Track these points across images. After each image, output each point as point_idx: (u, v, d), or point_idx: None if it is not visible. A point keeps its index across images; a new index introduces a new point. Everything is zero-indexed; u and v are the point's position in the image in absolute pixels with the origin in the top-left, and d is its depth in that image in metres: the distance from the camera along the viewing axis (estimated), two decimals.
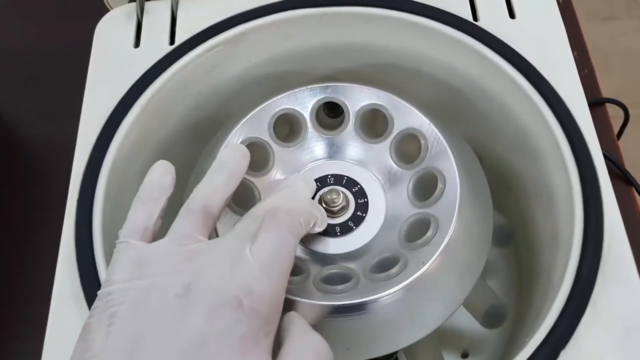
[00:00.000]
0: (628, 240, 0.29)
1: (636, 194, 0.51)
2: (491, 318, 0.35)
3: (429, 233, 0.29)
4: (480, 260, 0.31)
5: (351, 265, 0.31)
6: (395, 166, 0.33)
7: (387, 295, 0.28)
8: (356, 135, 0.34)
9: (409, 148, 0.33)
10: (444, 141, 0.31)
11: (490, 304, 0.35)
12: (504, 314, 0.35)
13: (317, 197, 0.33)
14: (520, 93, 0.34)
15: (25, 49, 0.66)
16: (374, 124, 0.34)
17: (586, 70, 0.57)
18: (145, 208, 0.27)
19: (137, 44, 0.36)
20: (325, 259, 0.31)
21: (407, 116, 0.32)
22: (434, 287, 0.29)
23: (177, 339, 0.23)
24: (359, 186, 0.33)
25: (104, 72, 0.35)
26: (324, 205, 0.32)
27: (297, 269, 0.30)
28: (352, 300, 0.28)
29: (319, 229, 0.30)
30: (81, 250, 0.30)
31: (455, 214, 0.29)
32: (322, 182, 0.33)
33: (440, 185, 0.31)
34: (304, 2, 0.37)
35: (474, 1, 0.36)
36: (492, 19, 0.36)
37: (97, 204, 0.32)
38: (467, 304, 0.35)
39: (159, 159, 0.28)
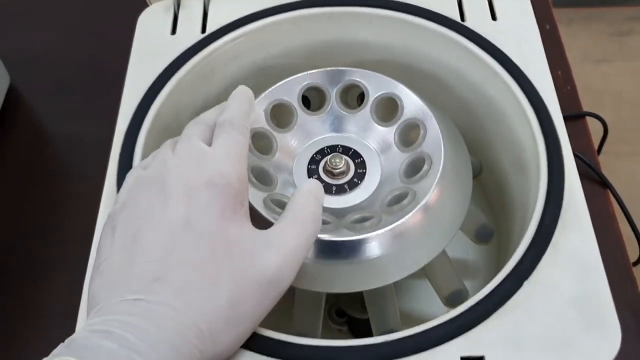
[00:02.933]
0: (602, 238, 0.33)
1: (611, 195, 0.56)
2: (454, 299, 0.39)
3: (405, 202, 0.35)
4: (452, 227, 0.36)
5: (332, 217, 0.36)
6: (395, 148, 0.38)
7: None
8: (370, 117, 0.39)
9: (411, 134, 0.39)
10: (439, 132, 0.37)
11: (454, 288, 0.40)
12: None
13: (324, 160, 0.38)
14: (500, 81, 0.40)
15: (58, 55, 0.72)
16: (387, 109, 0.40)
17: (569, 87, 0.64)
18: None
19: (173, 31, 0.43)
20: None
21: (414, 107, 0.38)
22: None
23: (165, 224, 0.29)
24: (361, 158, 0.39)
25: (145, 52, 0.42)
26: (327, 166, 0.38)
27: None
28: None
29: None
30: None
31: (432, 189, 0.35)
32: (331, 149, 0.39)
33: (426, 167, 0.36)
34: (317, 2, 0.43)
35: (461, 4, 0.43)
36: (477, 20, 0.42)
37: (136, 158, 0.37)
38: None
39: None
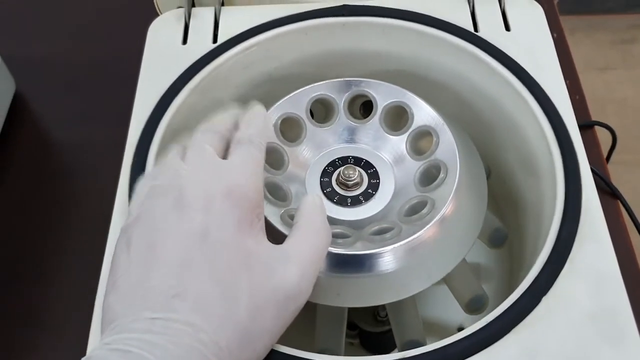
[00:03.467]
0: (613, 247, 0.33)
1: (621, 205, 0.56)
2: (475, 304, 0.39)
3: (424, 211, 0.35)
4: (470, 235, 0.36)
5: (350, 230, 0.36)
6: (408, 156, 0.38)
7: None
8: (379, 127, 0.39)
9: (422, 142, 0.38)
10: (452, 139, 0.37)
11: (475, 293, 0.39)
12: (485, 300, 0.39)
13: (337, 172, 0.38)
14: (513, 91, 0.39)
15: (63, 60, 0.72)
16: (396, 118, 0.40)
17: (577, 97, 0.63)
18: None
19: (184, 41, 0.42)
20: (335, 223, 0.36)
21: (425, 115, 0.38)
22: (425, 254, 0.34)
23: (182, 235, 0.28)
24: (374, 169, 0.38)
25: (156, 62, 0.41)
26: (341, 178, 0.37)
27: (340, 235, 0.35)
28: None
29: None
30: None
31: (450, 197, 0.34)
32: (343, 161, 0.39)
33: (442, 175, 0.36)
34: (329, 12, 0.43)
35: (475, 15, 0.42)
36: (490, 31, 0.42)
37: (149, 168, 0.37)
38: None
39: None
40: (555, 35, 0.67)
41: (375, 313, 0.41)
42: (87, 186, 0.63)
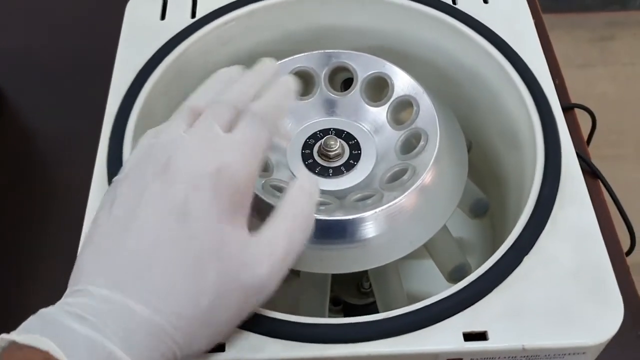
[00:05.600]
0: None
1: (602, 185, 0.56)
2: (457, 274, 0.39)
3: (405, 177, 0.35)
4: (452, 201, 0.36)
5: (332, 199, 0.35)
6: (389, 126, 0.38)
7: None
8: (360, 98, 0.39)
9: (402, 113, 0.38)
10: (432, 107, 0.37)
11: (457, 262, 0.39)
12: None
13: (318, 144, 0.38)
14: (493, 62, 0.39)
15: (44, 48, 0.71)
16: (377, 90, 0.39)
17: (557, 81, 0.64)
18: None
19: (162, 17, 0.42)
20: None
21: (405, 85, 0.38)
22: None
23: (161, 210, 0.27)
24: (355, 140, 0.38)
25: (134, 37, 0.41)
26: (322, 150, 0.37)
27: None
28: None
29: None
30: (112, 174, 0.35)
31: (431, 163, 0.34)
32: (324, 133, 0.38)
33: (422, 142, 0.36)
34: None
35: None
36: (468, 3, 0.42)
37: (126, 142, 0.36)
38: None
39: None
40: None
41: (359, 285, 0.40)
42: (66, 177, 0.62)
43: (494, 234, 0.43)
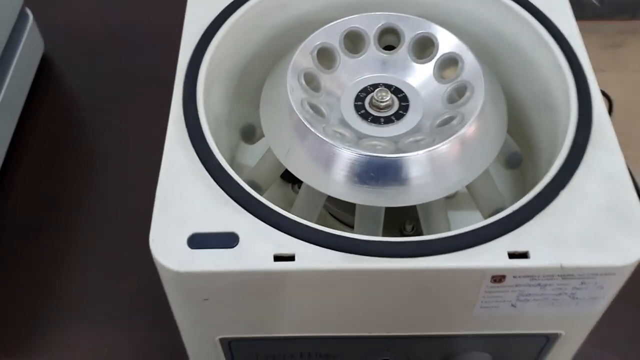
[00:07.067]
0: None
1: None
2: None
3: (454, 122, 0.38)
4: (497, 142, 0.40)
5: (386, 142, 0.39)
6: (435, 81, 0.42)
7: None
8: (407, 56, 0.43)
9: (447, 70, 0.42)
10: (477, 62, 0.40)
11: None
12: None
13: (369, 96, 0.42)
14: (529, 29, 0.43)
15: (90, 22, 0.75)
16: (422, 49, 0.43)
17: None
18: None
19: None
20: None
21: (450, 43, 0.42)
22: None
23: None
24: (403, 93, 0.42)
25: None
26: (374, 101, 0.41)
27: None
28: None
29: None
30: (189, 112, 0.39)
31: (478, 111, 0.38)
32: (374, 87, 0.42)
33: (468, 93, 0.40)
34: None
35: None
36: None
37: (199, 89, 0.40)
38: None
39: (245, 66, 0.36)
40: None
41: (402, 227, 0.44)
42: (111, 147, 0.66)
43: (524, 185, 0.47)
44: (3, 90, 0.61)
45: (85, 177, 0.63)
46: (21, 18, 0.65)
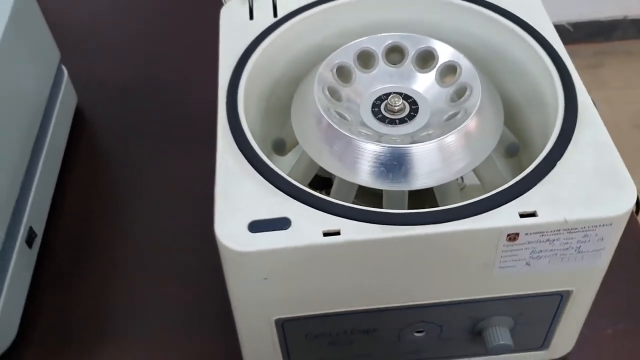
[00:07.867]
0: None
1: None
2: None
3: (459, 116, 0.45)
4: (498, 127, 0.46)
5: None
6: (437, 86, 0.49)
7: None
8: (412, 68, 0.50)
9: (447, 77, 0.49)
10: (472, 66, 0.48)
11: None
12: None
13: (384, 103, 0.48)
14: (517, 38, 0.50)
15: (122, 75, 0.82)
16: (424, 61, 0.50)
17: None
18: None
19: (251, 17, 0.53)
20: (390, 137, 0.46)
21: (447, 53, 0.49)
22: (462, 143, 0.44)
23: None
24: (412, 98, 0.49)
25: (231, 33, 0.52)
26: (388, 106, 0.48)
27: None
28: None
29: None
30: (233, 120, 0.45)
31: (477, 105, 0.45)
32: (387, 95, 0.49)
33: (468, 92, 0.46)
34: None
35: None
36: None
37: (240, 106, 0.47)
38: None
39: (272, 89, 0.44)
40: None
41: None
42: (146, 186, 0.71)
43: (522, 171, 0.53)
44: (46, 143, 0.66)
45: (126, 210, 0.68)
46: (58, 74, 0.71)
